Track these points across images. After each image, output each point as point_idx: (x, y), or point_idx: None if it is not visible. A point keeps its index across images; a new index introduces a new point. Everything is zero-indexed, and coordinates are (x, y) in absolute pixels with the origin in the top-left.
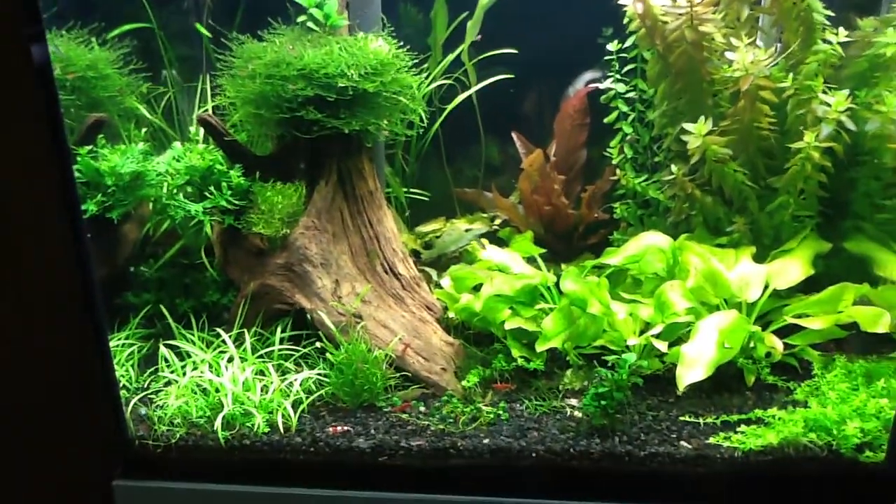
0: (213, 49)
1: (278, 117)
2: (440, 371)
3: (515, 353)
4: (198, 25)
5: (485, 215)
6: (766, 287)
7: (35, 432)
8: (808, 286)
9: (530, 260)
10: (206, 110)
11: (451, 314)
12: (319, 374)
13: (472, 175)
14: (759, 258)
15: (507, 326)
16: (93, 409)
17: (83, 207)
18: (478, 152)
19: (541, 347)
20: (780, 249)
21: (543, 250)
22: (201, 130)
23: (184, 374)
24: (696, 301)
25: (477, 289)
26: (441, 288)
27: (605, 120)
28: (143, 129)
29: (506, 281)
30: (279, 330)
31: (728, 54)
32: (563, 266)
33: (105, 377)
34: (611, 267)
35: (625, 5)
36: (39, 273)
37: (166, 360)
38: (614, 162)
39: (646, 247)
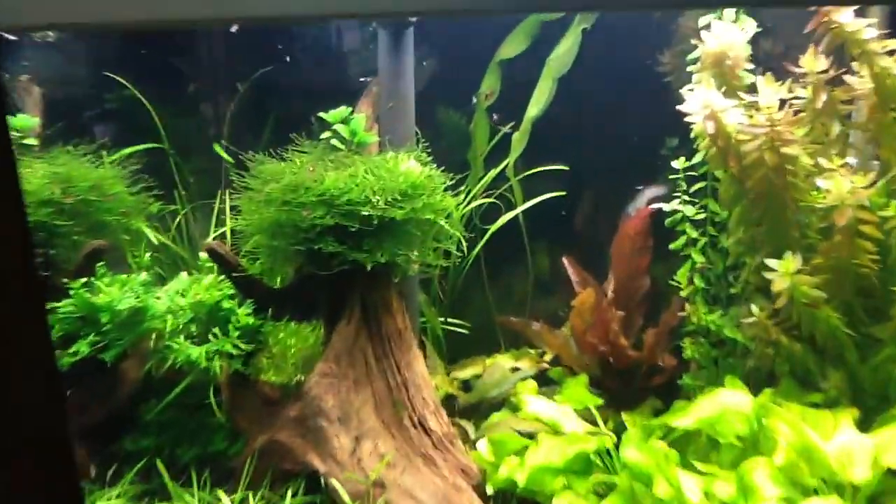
0: (233, 166)
1: (294, 249)
2: None
3: None
4: (216, 146)
5: (532, 351)
6: (875, 463)
7: None
8: None
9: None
10: (218, 236)
11: (489, 486)
12: None
13: (520, 299)
14: (864, 424)
15: None
16: None
17: (73, 349)
18: (525, 275)
19: None
20: (891, 414)
21: (600, 401)
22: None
23: None
24: (787, 484)
25: (522, 451)
26: (476, 449)
27: (672, 246)
28: (148, 255)
29: (555, 447)
30: (290, 495)
31: (819, 181)
32: (623, 415)
33: None
34: (680, 430)
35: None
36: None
37: None
38: (682, 294)
39: (722, 408)
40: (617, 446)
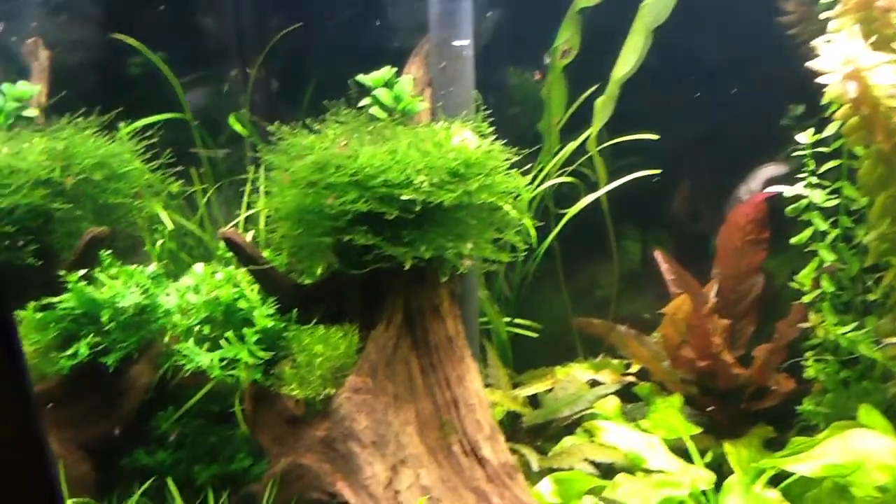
0: (260, 141)
1: (319, 241)
2: None
3: None
4: (232, 117)
5: (615, 362)
6: None
7: None
8: None
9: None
10: (245, 221)
11: None
12: None
13: (603, 298)
14: None
15: None
16: None
17: (71, 351)
18: (608, 269)
19: None
20: None
21: (696, 429)
22: None
23: None
24: None
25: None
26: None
27: (794, 240)
28: (160, 242)
29: (638, 490)
30: None
31: None
32: (725, 446)
33: None
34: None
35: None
36: None
37: None
38: (805, 299)
39: (857, 456)
40: (717, 487)
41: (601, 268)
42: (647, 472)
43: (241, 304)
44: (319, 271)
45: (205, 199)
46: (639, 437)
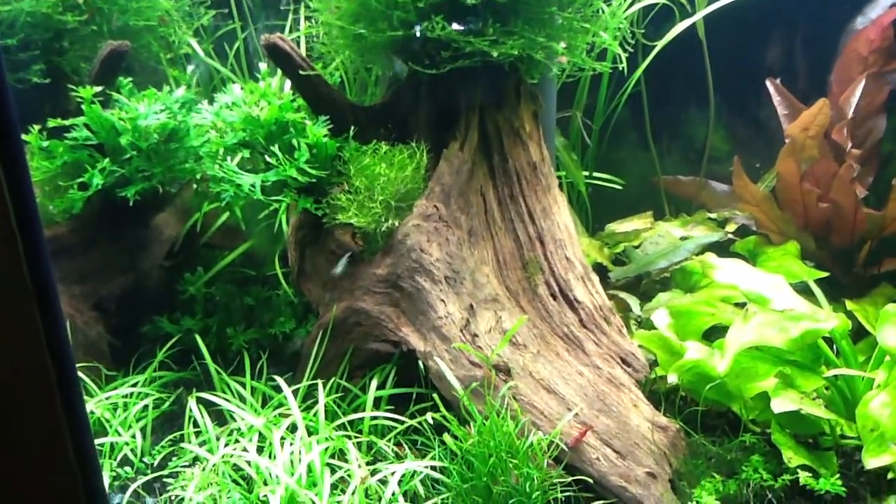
0: None
1: (387, 37)
2: (644, 477)
3: (788, 455)
4: None
5: (711, 216)
6: None
7: None
8: None
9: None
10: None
11: (667, 376)
12: (433, 468)
13: (689, 155)
14: None
15: (777, 406)
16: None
17: (84, 178)
18: (699, 121)
19: (874, 460)
20: None
21: (821, 273)
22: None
23: (217, 447)
24: None
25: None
26: (644, 328)
27: None
28: (192, 68)
29: (773, 323)
30: (374, 385)
31: None
32: (847, 304)
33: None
34: None
35: None
36: None
37: (195, 424)
38: None
39: None
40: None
41: (692, 118)
42: None
43: (289, 115)
44: (380, 91)
45: (243, 36)
46: (761, 274)
